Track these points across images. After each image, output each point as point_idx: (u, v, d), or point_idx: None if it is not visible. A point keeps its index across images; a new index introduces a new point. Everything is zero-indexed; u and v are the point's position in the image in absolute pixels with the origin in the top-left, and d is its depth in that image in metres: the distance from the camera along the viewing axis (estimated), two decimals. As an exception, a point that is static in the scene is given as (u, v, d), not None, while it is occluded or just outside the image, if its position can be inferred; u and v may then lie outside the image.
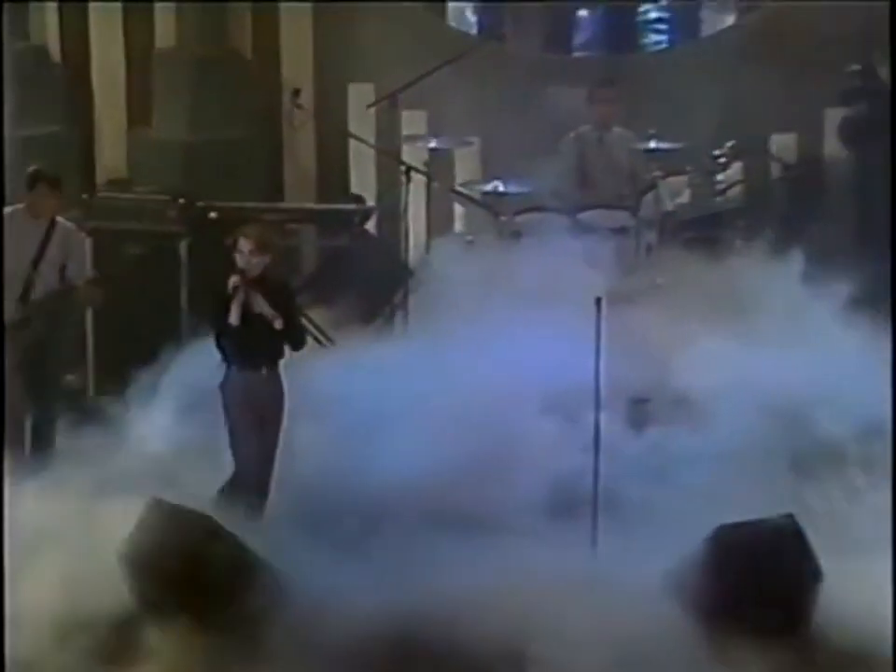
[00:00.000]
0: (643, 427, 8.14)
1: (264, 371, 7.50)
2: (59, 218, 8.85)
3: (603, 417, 7.33)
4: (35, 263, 8.69)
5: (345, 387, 8.15)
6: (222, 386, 7.52)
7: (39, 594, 6.77)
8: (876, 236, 10.20)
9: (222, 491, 7.47)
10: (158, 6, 11.95)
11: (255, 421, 7.47)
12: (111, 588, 6.82)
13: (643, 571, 6.75)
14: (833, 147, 11.19)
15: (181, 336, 9.08)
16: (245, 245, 7.48)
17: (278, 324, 7.42)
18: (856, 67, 10.77)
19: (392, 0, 11.76)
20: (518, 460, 7.77)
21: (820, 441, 7.98)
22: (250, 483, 7.44)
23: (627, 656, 6.47)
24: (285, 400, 7.56)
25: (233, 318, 7.40)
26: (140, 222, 10.21)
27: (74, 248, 8.89)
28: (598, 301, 7.27)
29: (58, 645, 6.70)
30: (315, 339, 9.05)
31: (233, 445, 7.50)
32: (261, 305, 7.42)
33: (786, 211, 11.27)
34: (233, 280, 7.43)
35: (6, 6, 10.89)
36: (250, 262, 7.46)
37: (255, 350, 7.47)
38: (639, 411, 8.27)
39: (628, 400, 8.19)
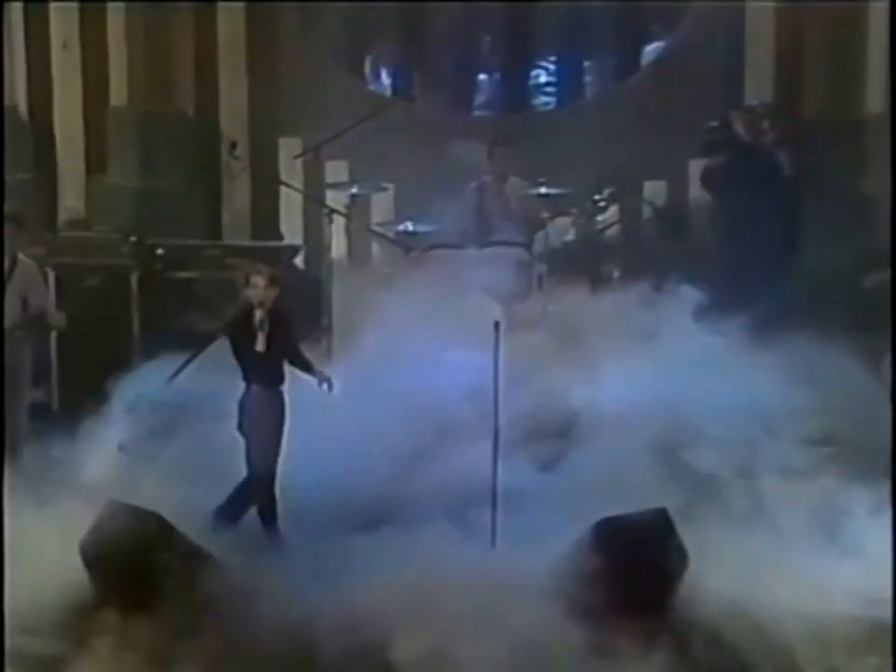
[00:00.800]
0: (535, 441, 8.11)
1: (279, 389, 7.44)
2: (20, 255, 8.89)
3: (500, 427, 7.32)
4: (-1, 295, 8.68)
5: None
6: (242, 403, 7.42)
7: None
8: (737, 269, 10.34)
9: (237, 502, 7.33)
10: (112, 69, 11.92)
11: (279, 433, 7.39)
12: (70, 585, 6.73)
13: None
14: (696, 192, 11.32)
15: (133, 356, 9.17)
16: (258, 280, 7.37)
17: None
18: (714, 124, 10.90)
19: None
20: (422, 468, 7.74)
21: (701, 463, 7.94)
22: (264, 488, 7.36)
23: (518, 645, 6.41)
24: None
25: (260, 346, 7.34)
26: (97, 257, 10.23)
27: (34, 282, 8.96)
28: (497, 324, 7.31)
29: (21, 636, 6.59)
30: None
31: (255, 454, 7.35)
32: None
33: (656, 247, 11.38)
34: (259, 314, 7.35)
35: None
36: (265, 295, 7.37)
37: (275, 372, 7.41)
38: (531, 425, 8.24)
39: (522, 415, 8.16)
